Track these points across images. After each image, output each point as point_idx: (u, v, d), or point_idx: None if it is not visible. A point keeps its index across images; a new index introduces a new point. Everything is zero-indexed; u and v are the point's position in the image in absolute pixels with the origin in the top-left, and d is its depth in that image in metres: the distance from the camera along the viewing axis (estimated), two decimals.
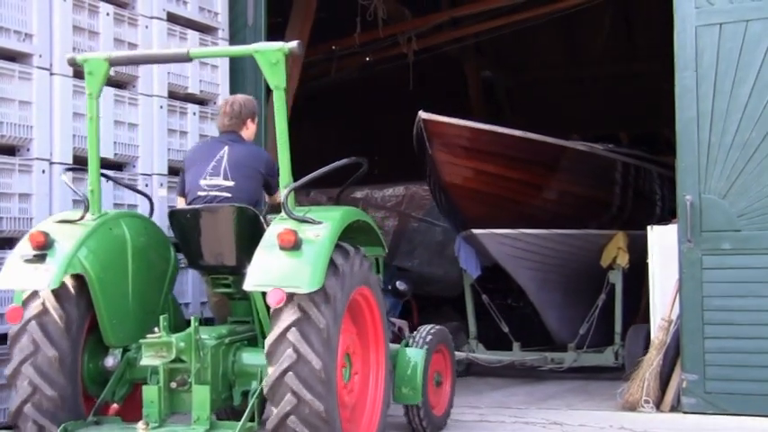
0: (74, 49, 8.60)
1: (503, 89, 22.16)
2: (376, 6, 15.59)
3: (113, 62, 7.32)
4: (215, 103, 10.48)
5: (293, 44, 6.55)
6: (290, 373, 6.25)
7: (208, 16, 10.52)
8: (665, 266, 9.83)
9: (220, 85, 10.56)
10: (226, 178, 7.47)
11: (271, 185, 7.72)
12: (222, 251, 7.42)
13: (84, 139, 8.65)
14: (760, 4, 9.11)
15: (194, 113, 10.21)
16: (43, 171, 8.32)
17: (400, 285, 9.16)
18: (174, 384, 6.54)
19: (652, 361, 9.60)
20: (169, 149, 9.85)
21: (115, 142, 9.07)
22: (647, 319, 11.33)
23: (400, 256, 13.94)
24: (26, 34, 8.28)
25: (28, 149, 8.25)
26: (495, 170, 11.24)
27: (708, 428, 8.58)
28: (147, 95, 9.57)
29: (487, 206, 11.33)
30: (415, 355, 8.14)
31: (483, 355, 12.30)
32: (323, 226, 6.56)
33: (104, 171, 8.19)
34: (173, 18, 9.95)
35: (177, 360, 6.45)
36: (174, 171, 9.81)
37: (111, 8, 9.15)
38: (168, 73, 9.83)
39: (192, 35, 10.16)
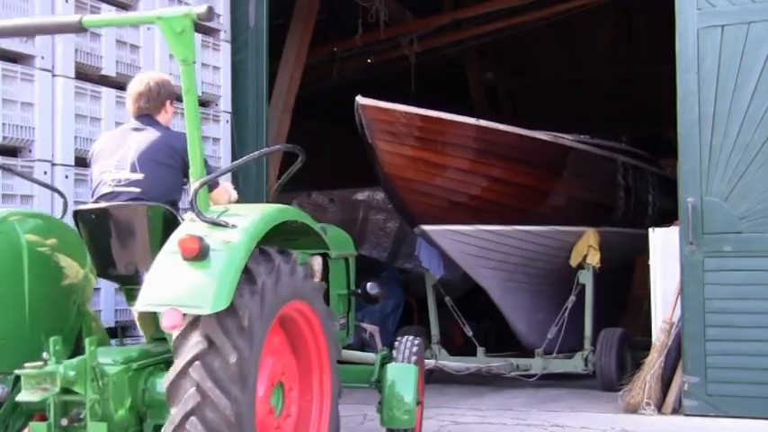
0: (76, 51, 8.65)
1: (505, 91, 22.22)
2: (377, 8, 15.61)
3: None
4: (216, 104, 10.55)
5: (201, 9, 5.34)
6: (193, 417, 5.08)
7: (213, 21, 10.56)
8: (667, 268, 9.82)
9: (222, 86, 10.62)
10: (134, 171, 6.09)
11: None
12: (133, 258, 6.17)
13: (85, 141, 8.76)
14: (762, 5, 9.14)
15: None
16: (45, 172, 8.29)
17: (371, 289, 7.85)
18: (65, 421, 5.38)
19: (653, 363, 9.60)
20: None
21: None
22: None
23: (402, 257, 13.98)
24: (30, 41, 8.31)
25: (30, 151, 8.25)
26: (442, 160, 10.52)
27: (708, 430, 8.63)
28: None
29: (437, 199, 10.60)
30: (406, 372, 7.25)
31: (450, 363, 11.49)
32: (237, 230, 5.35)
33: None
34: None
35: (70, 391, 5.33)
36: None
37: (112, 8, 9.16)
38: (170, 74, 9.88)
39: (195, 36, 10.19)
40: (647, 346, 11.39)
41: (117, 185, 6.04)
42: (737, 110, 9.15)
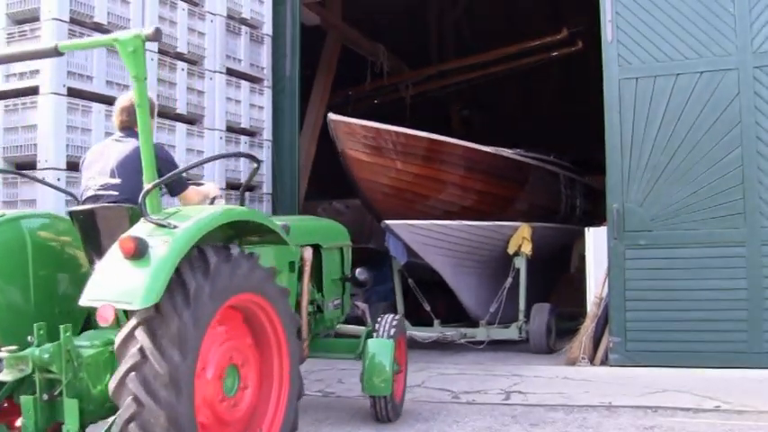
0: (158, 96, 8.56)
1: (478, 124, 22.22)
2: (382, 62, 15.82)
3: None
4: (261, 134, 10.75)
5: (150, 30, 4.76)
6: (132, 424, 4.36)
7: (256, 70, 10.72)
8: (598, 258, 9.81)
9: (265, 121, 10.76)
10: (113, 177, 5.51)
11: (169, 185, 5.62)
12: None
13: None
14: (664, 64, 9.17)
15: (245, 143, 10.38)
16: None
17: (360, 275, 7.31)
18: (45, 396, 4.71)
19: (587, 328, 9.61)
20: (226, 169, 10.13)
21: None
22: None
23: None
24: (124, 86, 8.31)
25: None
26: (401, 166, 10.06)
27: (628, 377, 8.55)
28: (210, 129, 9.80)
29: (397, 199, 10.17)
30: (384, 346, 6.73)
31: (418, 333, 10.74)
32: (176, 230, 4.63)
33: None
34: (230, 71, 10.15)
35: (51, 371, 4.70)
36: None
37: (185, 65, 9.36)
38: (226, 112, 10.13)
39: (245, 84, 10.37)
40: (573, 315, 11.32)
41: (99, 189, 5.51)
42: (648, 140, 9.17)
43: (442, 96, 19.38)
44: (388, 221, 10.13)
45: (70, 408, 4.64)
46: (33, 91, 7.79)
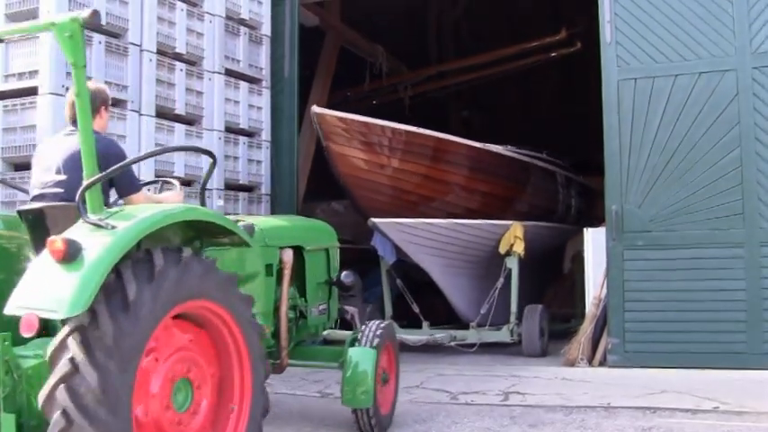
0: (156, 96, 8.84)
1: (477, 125, 22.18)
2: (380, 62, 15.78)
3: None
4: (260, 135, 10.75)
5: (86, 13, 4.30)
6: None
7: (255, 70, 10.69)
8: (596, 259, 9.81)
9: (264, 121, 10.73)
10: (58, 173, 5.03)
11: (116, 183, 5.11)
12: None
13: (162, 163, 8.99)
14: (662, 65, 9.21)
15: (244, 143, 10.36)
16: None
17: (346, 278, 6.75)
18: None
19: (586, 329, 9.61)
20: (225, 170, 10.12)
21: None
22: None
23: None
24: (122, 86, 8.50)
25: None
26: (387, 162, 9.72)
27: (626, 377, 8.57)
28: (209, 130, 9.83)
29: (384, 196, 9.84)
30: (366, 355, 6.19)
31: (408, 336, 10.28)
32: (114, 232, 4.16)
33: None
34: (229, 72, 10.13)
35: None
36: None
37: (183, 66, 9.36)
38: (225, 113, 10.11)
39: (243, 85, 10.35)
40: (566, 317, 11.38)
41: (44, 187, 5.08)
42: (647, 141, 9.19)
43: (441, 97, 19.36)
44: (375, 219, 9.84)
45: (7, 423, 4.20)
46: (32, 91, 7.80)
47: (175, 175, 9.08)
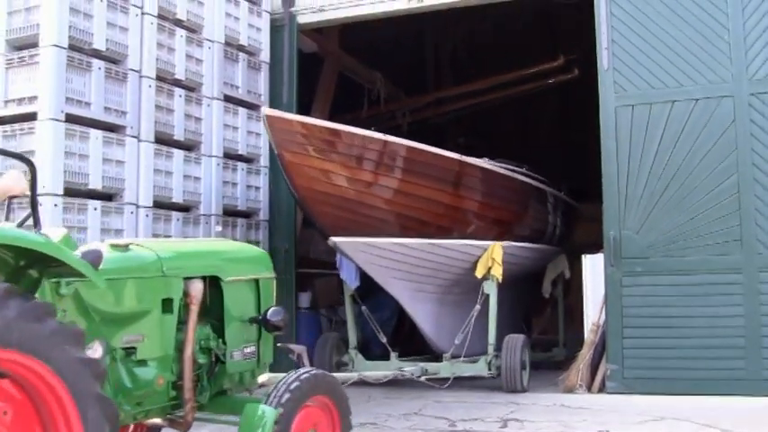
0: (155, 122, 8.88)
1: (475, 152, 22.04)
2: (378, 89, 15.76)
3: None
4: (258, 161, 10.74)
5: None
6: None
7: (253, 96, 10.71)
8: (595, 285, 9.79)
9: (262, 147, 10.70)
10: None
11: None
12: None
13: (162, 189, 9.02)
14: (660, 91, 9.25)
15: (242, 169, 10.39)
16: (132, 212, 8.52)
17: (274, 316, 5.44)
18: None
19: (585, 355, 9.58)
20: (223, 196, 10.14)
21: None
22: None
23: None
24: (122, 111, 8.53)
25: (121, 196, 8.46)
26: (348, 172, 8.62)
27: (625, 404, 8.54)
28: (208, 156, 9.80)
29: (344, 211, 8.73)
30: (260, 417, 4.67)
31: (370, 372, 9.16)
32: None
33: None
34: (228, 98, 10.16)
35: None
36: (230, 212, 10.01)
37: (183, 92, 9.41)
38: (224, 138, 10.10)
39: (242, 111, 10.36)
40: (549, 344, 11.19)
41: None
42: (644, 167, 9.23)
43: (439, 124, 19.34)
44: (335, 239, 8.86)
45: None
46: (31, 117, 7.83)
47: (174, 200, 9.14)
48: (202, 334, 5.16)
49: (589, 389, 9.46)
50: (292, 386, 4.86)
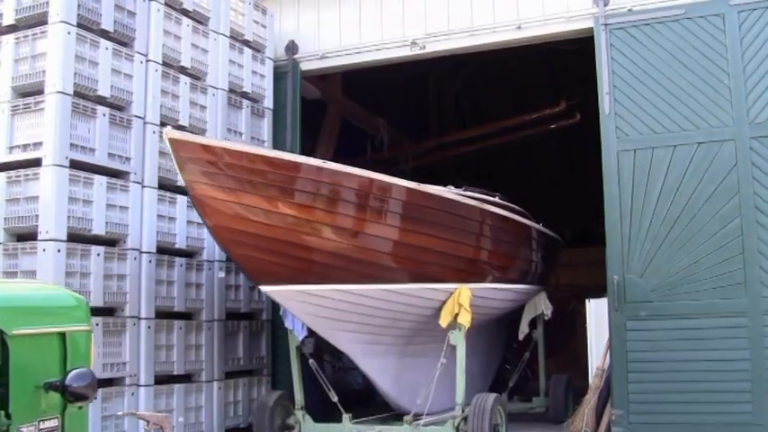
0: (159, 168, 8.90)
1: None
2: (382, 134, 15.89)
3: None
4: None
5: None
6: None
7: (257, 142, 10.68)
8: (599, 329, 9.76)
9: None
10: None
11: None
12: None
13: (165, 234, 9.01)
14: (661, 136, 9.32)
15: None
16: (135, 258, 8.51)
17: (76, 380, 4.23)
18: None
19: (590, 400, 9.57)
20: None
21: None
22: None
23: None
24: (126, 158, 8.57)
25: (124, 242, 8.45)
26: (271, 206, 7.17)
27: None
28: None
29: (270, 253, 7.31)
30: None
31: None
32: None
33: None
34: None
35: None
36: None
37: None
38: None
39: None
40: (529, 393, 11.00)
41: None
42: (647, 211, 9.26)
43: (442, 168, 19.43)
44: (266, 288, 7.54)
45: None
46: (36, 163, 7.87)
47: (177, 246, 9.14)
48: None
49: None
50: None
